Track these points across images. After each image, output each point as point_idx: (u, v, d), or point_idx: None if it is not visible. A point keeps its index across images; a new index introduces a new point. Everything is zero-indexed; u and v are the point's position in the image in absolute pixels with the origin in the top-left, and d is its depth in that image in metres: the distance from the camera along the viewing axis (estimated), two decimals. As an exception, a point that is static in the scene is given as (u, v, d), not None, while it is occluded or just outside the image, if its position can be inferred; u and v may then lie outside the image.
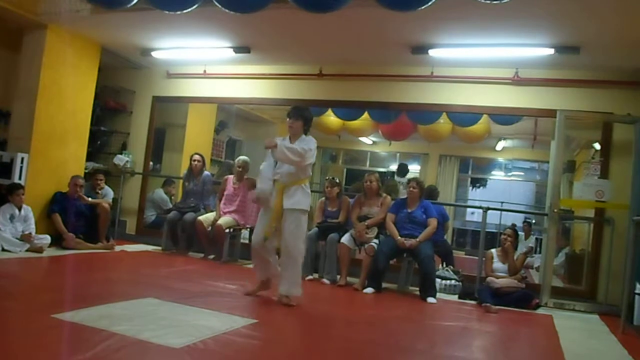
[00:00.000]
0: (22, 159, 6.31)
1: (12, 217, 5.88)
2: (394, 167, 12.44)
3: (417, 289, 5.64)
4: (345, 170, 13.21)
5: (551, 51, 5.50)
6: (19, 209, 5.97)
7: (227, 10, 4.82)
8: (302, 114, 4.56)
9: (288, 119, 4.51)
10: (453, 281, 5.95)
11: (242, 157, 7.06)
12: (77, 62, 6.92)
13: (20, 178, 6.25)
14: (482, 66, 6.35)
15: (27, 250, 5.79)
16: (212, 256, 6.77)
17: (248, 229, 7.01)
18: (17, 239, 5.79)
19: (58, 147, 6.75)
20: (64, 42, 6.62)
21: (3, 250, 5.58)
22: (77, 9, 6.00)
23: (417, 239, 5.54)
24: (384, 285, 5.69)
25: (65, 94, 6.75)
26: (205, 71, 7.65)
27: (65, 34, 6.64)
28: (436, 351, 3.66)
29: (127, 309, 3.65)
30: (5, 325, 3.09)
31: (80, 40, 6.91)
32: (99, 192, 7.05)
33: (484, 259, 5.92)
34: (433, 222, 5.70)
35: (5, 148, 6.55)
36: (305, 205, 4.48)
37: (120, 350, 2.74)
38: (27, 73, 6.53)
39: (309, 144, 4.48)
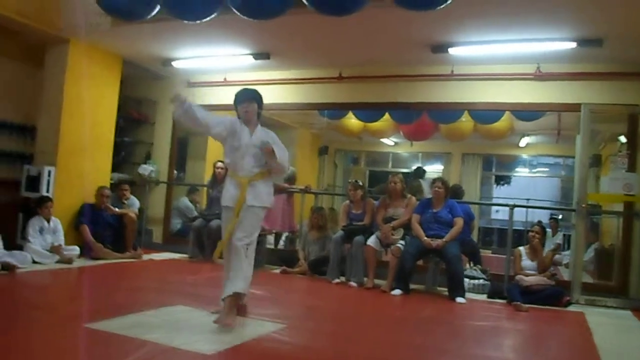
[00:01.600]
0: (49, 172, 6.41)
1: (41, 230, 5.98)
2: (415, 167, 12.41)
3: (445, 289, 5.60)
4: (367, 172, 13.18)
5: (573, 45, 5.43)
6: (48, 221, 6.07)
7: (246, 18, 4.86)
8: (254, 96, 4.07)
9: (241, 105, 3.98)
10: (481, 280, 5.90)
11: (264, 163, 7.08)
12: (99, 75, 7.03)
13: (47, 191, 6.35)
14: (503, 62, 6.29)
15: (56, 262, 5.88)
16: (238, 262, 6.78)
17: (273, 234, 7.07)
18: (47, 250, 5.88)
19: (83, 159, 6.84)
20: (85, 55, 6.72)
21: (34, 262, 5.67)
22: (97, 23, 6.07)
23: (444, 239, 5.50)
24: (411, 286, 5.66)
25: (89, 107, 6.84)
26: (225, 79, 7.69)
27: (86, 47, 6.74)
28: (467, 351, 3.63)
29: (157, 317, 3.68)
30: (41, 335, 3.14)
31: (101, 53, 7.01)
32: (125, 202, 7.14)
33: (512, 257, 5.85)
34: (459, 222, 5.66)
35: (32, 162, 6.66)
36: (269, 202, 3.98)
37: (154, 358, 2.78)
38: (51, 87, 6.65)
39: (275, 139, 3.99)
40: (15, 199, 6.55)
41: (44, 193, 6.29)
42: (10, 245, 5.66)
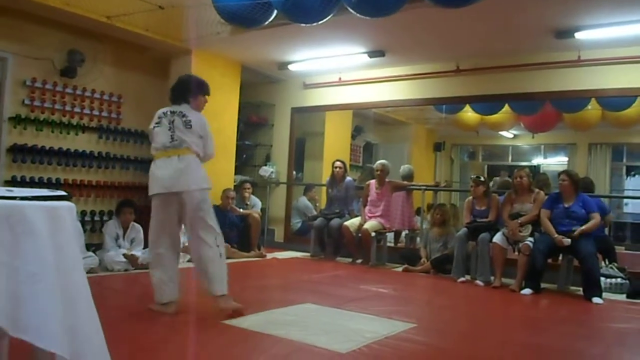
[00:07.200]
0: (178, 176, 6.75)
1: (174, 231, 6.32)
2: (537, 160, 11.92)
3: (579, 288, 5.28)
4: (486, 166, 12.76)
5: None
6: (180, 223, 6.40)
7: (361, 17, 4.86)
8: None
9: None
10: (619, 279, 5.50)
11: (380, 161, 7.08)
12: (221, 82, 7.30)
13: (177, 194, 6.70)
14: (637, 44, 5.83)
15: (187, 261, 6.18)
16: (359, 260, 6.84)
17: (394, 232, 7.06)
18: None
19: (210, 163, 7.02)
20: (207, 64, 7.03)
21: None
22: (217, 32, 6.36)
23: (577, 231, 5.15)
24: (542, 285, 5.39)
25: (213, 113, 7.08)
26: (340, 78, 7.76)
27: (208, 56, 7.08)
28: (612, 356, 3.40)
29: (288, 314, 3.76)
30: (183, 331, 3.31)
31: (222, 60, 7.31)
32: (248, 203, 7.39)
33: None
34: (596, 217, 5.28)
35: (162, 167, 7.05)
36: (207, 182, 3.88)
37: (290, 354, 2.84)
38: (177, 97, 7.01)
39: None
40: (147, 202, 6.97)
41: (174, 197, 6.64)
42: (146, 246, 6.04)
